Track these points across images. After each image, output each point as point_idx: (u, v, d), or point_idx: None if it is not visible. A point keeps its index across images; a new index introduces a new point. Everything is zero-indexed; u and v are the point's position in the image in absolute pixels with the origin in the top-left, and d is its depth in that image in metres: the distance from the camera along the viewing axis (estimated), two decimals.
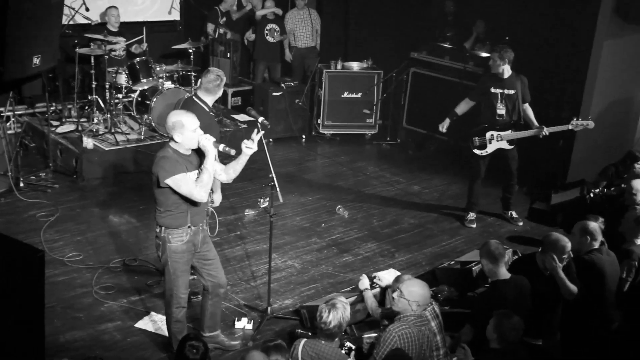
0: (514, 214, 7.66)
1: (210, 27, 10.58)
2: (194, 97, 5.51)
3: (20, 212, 7.07)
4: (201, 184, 4.47)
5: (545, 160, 8.26)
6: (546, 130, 7.00)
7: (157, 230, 4.70)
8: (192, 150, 4.59)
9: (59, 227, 6.83)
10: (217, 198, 5.59)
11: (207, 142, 4.48)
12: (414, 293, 4.36)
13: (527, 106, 7.21)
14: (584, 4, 8.00)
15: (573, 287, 4.94)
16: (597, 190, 7.08)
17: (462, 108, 7.46)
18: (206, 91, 5.42)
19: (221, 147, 4.54)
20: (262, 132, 4.82)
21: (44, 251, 4.63)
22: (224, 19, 10.61)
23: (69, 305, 5.57)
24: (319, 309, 4.27)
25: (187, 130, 4.47)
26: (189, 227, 4.65)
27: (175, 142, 4.52)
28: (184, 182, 4.47)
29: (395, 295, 4.42)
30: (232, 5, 10.74)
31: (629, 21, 7.84)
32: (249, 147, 4.63)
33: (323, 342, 4.24)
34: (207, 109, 5.43)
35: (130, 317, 5.50)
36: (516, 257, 6.28)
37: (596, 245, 5.35)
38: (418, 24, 10.41)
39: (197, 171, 4.55)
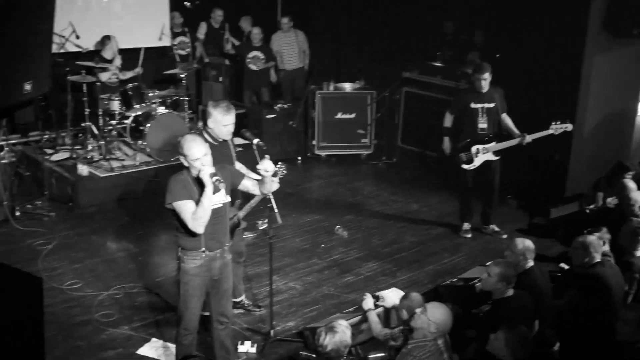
0: (496, 228, 7.58)
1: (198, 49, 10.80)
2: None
3: (18, 241, 7.00)
4: (194, 216, 4.39)
5: (542, 175, 8.26)
6: (529, 137, 7.00)
7: (178, 249, 4.70)
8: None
9: (57, 255, 6.76)
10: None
11: (204, 175, 4.35)
12: (436, 314, 4.29)
13: (505, 116, 7.21)
14: (573, 20, 8.05)
15: None
16: (592, 206, 7.07)
17: (449, 122, 7.41)
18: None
19: (214, 178, 4.36)
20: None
21: (42, 278, 4.57)
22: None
23: (69, 334, 5.49)
24: (317, 332, 4.18)
25: (189, 158, 4.42)
26: (203, 251, 4.58)
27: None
28: (184, 210, 4.42)
29: (418, 311, 4.35)
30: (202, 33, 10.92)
31: (617, 35, 7.92)
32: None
33: None
34: (210, 139, 5.32)
35: (132, 343, 5.41)
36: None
37: (598, 258, 5.34)
38: (409, 43, 10.46)
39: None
